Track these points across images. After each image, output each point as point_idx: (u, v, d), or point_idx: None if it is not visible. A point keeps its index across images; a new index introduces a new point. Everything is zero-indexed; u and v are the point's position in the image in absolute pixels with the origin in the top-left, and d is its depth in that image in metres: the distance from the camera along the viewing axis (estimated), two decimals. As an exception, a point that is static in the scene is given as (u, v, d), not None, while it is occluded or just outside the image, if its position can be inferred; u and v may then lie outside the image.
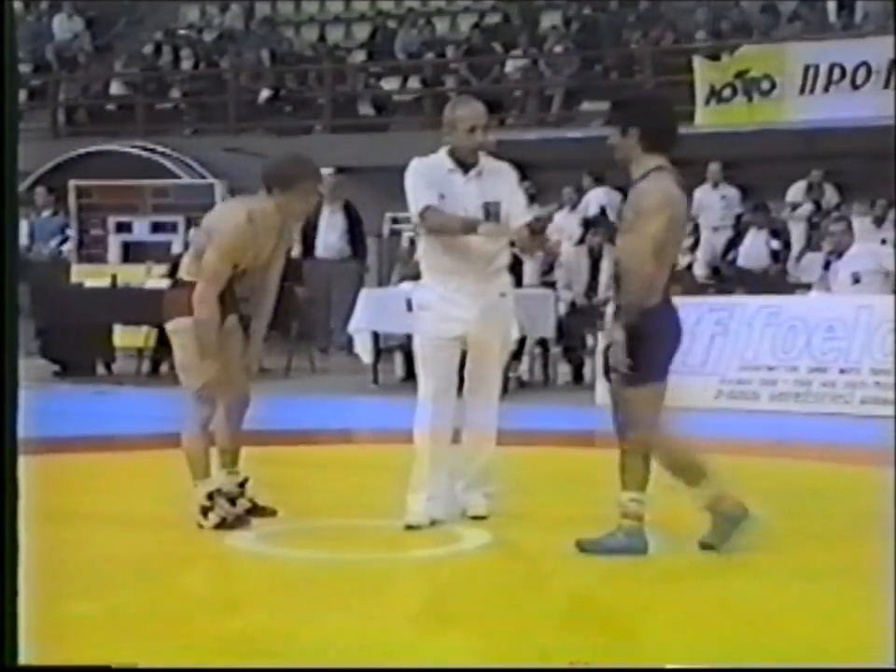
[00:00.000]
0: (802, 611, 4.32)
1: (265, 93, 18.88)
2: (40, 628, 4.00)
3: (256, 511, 5.63)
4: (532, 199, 14.00)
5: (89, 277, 13.27)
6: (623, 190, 14.91)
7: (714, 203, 14.41)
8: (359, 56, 19.70)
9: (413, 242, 14.03)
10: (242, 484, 5.63)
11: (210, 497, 5.46)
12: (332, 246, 14.39)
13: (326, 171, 16.15)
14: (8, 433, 2.08)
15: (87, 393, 11.17)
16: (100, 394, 11.17)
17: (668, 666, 3.61)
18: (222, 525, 5.43)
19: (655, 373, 4.93)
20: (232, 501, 5.55)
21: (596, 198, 14.66)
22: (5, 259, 2.06)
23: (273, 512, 5.68)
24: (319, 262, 14.39)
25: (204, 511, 5.45)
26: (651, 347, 4.84)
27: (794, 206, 14.35)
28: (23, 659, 2.15)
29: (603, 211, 14.06)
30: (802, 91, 14.72)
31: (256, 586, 4.78)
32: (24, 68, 21.50)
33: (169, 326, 5.59)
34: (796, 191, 14.43)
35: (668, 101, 5.70)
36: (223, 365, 5.46)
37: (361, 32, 20.04)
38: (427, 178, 5.54)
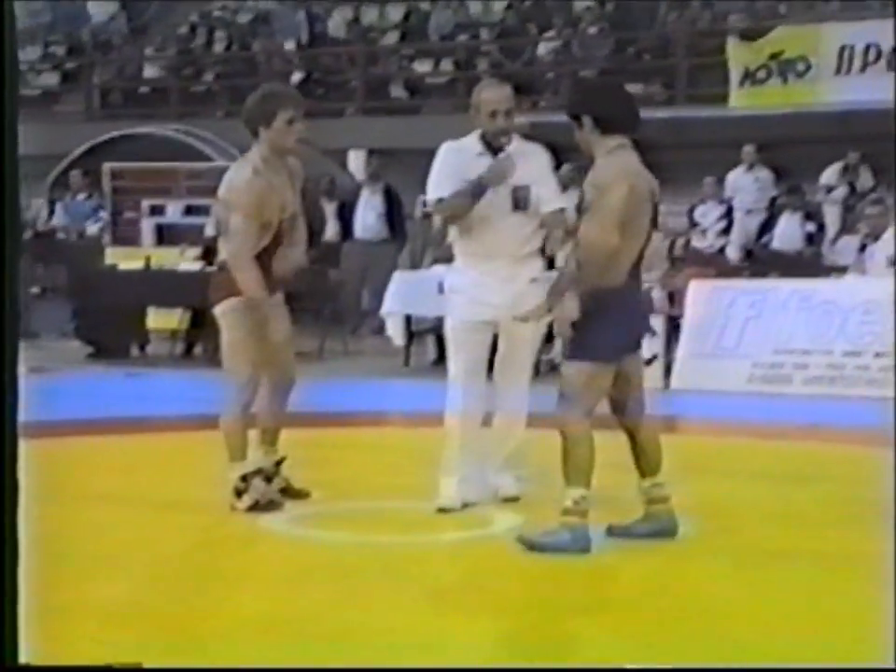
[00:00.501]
0: (830, 599, 4.31)
1: (297, 76, 18.90)
2: (61, 609, 4.04)
3: (289, 492, 5.65)
4: (572, 182, 13.97)
5: (123, 260, 13.33)
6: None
7: (748, 185, 14.32)
8: (392, 38, 19.68)
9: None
10: (278, 463, 5.66)
11: (244, 479, 5.48)
12: (370, 227, 14.44)
13: (360, 152, 16.24)
14: (9, 423, 2.09)
15: (120, 375, 11.23)
16: (132, 376, 11.23)
17: (669, 665, 3.60)
18: (255, 507, 5.45)
19: (601, 352, 4.79)
20: (268, 479, 5.58)
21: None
22: (5, 248, 2.07)
23: (306, 494, 5.70)
24: (356, 244, 14.42)
25: (238, 493, 5.47)
26: (604, 326, 4.74)
27: (829, 189, 14.24)
28: (24, 658, 2.15)
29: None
30: (837, 72, 14.59)
31: (288, 568, 4.79)
32: (59, 50, 21.63)
33: (217, 310, 5.57)
34: (831, 174, 14.32)
35: (616, 84, 5.64)
36: (269, 346, 5.48)
37: (395, 14, 20.01)
38: (453, 165, 5.52)
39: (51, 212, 15.72)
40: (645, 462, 5.00)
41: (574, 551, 4.74)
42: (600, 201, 4.75)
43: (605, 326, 4.75)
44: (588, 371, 4.79)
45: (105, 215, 15.23)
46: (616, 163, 4.83)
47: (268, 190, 5.41)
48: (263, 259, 5.48)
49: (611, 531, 4.95)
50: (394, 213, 14.60)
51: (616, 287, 4.76)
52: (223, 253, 5.62)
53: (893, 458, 5.66)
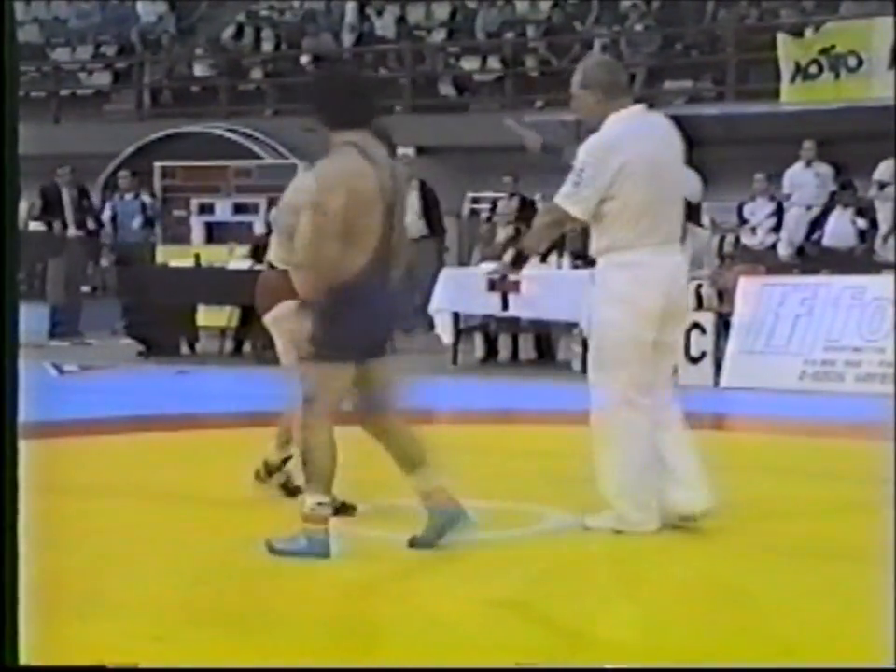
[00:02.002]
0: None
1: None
2: (110, 602, 4.07)
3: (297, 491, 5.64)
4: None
5: (173, 258, 13.42)
6: (696, 168, 14.81)
7: (808, 181, 14.18)
8: (439, 36, 19.70)
9: (491, 221, 14.04)
10: (285, 461, 5.68)
11: None
12: (409, 227, 14.43)
13: (403, 150, 16.23)
14: (8, 421, 2.10)
15: (170, 372, 11.30)
16: (183, 373, 11.30)
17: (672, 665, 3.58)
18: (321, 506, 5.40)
19: (332, 354, 4.64)
20: (270, 473, 5.65)
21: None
22: (5, 250, 2.08)
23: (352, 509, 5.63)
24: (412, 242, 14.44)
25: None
26: (331, 326, 4.61)
27: (882, 185, 14.10)
28: (24, 658, 2.17)
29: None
30: (891, 66, 14.46)
31: (338, 567, 4.80)
32: (109, 50, 21.82)
33: (267, 318, 5.53)
34: (885, 169, 14.17)
35: (342, 78, 5.13)
36: None
37: (442, 11, 20.03)
38: None
39: (102, 211, 15.86)
40: (405, 457, 4.83)
41: (312, 556, 4.63)
42: (315, 204, 4.58)
43: (336, 326, 4.61)
44: (324, 371, 4.67)
45: (150, 213, 15.32)
46: (333, 167, 4.66)
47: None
48: None
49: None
50: (430, 209, 14.53)
51: (350, 287, 4.58)
52: (273, 257, 5.58)
53: (893, 454, 5.59)
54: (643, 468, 4.97)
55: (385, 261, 4.68)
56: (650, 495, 4.98)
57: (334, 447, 4.70)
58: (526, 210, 13.51)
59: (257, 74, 20.31)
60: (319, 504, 4.68)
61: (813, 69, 14.97)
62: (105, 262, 15.44)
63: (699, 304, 11.38)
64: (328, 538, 4.69)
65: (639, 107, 5.17)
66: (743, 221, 13.79)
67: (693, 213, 13.58)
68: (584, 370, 11.59)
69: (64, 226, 14.32)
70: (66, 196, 14.43)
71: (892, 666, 3.34)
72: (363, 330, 4.69)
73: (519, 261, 5.48)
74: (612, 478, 5.01)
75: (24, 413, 2.22)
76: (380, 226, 4.65)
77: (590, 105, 5.08)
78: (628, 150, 4.96)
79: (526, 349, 12.20)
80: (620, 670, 3.56)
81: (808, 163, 14.24)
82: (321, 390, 4.69)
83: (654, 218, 5.00)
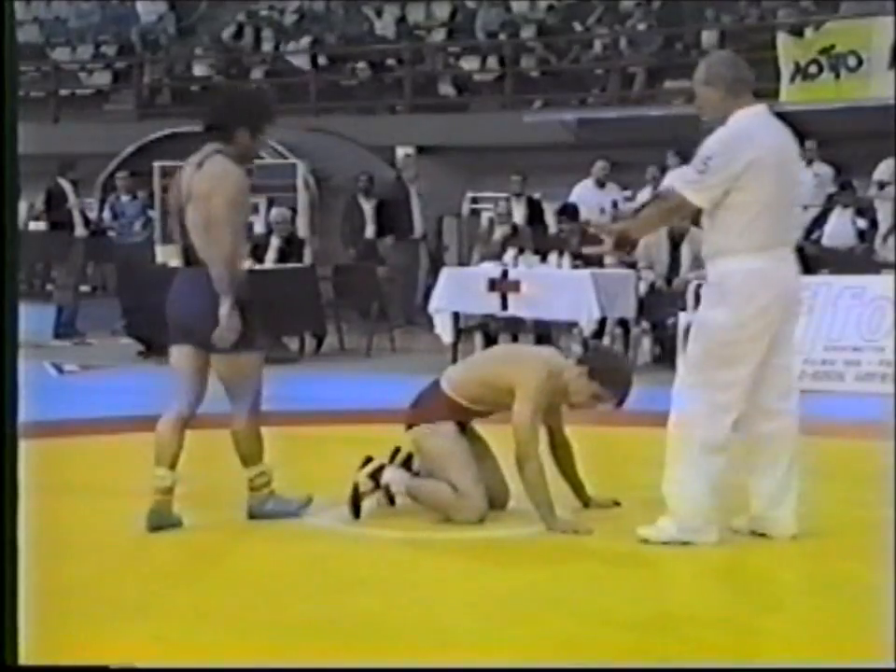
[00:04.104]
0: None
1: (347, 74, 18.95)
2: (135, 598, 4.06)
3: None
4: (607, 178, 13.99)
5: (173, 257, 13.39)
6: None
7: (807, 181, 14.15)
8: (439, 36, 19.71)
9: (492, 221, 14.05)
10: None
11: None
12: (420, 227, 14.69)
13: (406, 150, 16.26)
14: (8, 420, 2.10)
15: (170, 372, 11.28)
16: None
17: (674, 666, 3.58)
18: (387, 493, 5.46)
19: (169, 333, 5.42)
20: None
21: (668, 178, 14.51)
22: (5, 249, 2.08)
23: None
24: (400, 242, 14.51)
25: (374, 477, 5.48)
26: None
27: (882, 184, 14.10)
28: (23, 658, 2.17)
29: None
30: (891, 66, 14.46)
31: (337, 566, 4.81)
32: (109, 50, 21.82)
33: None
34: (885, 169, 14.18)
35: (219, 92, 5.92)
36: None
37: (442, 11, 20.04)
38: None
39: (101, 211, 15.87)
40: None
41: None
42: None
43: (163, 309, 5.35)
44: (172, 355, 5.41)
45: (152, 214, 15.32)
46: (206, 174, 5.35)
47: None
48: None
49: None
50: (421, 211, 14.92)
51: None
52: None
53: (893, 454, 5.59)
54: (718, 479, 4.81)
55: (190, 257, 5.37)
56: (716, 507, 4.83)
57: (169, 428, 5.35)
58: (534, 210, 13.51)
59: (257, 74, 20.31)
60: (161, 477, 5.24)
61: (813, 69, 14.97)
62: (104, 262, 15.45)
63: (699, 304, 11.36)
64: (162, 509, 5.15)
65: (763, 106, 5.01)
66: (744, 221, 13.80)
67: (695, 214, 13.62)
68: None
69: (71, 226, 14.32)
70: (72, 196, 14.43)
71: (892, 666, 3.34)
72: (168, 312, 5.50)
73: (624, 244, 5.35)
74: (683, 481, 4.80)
75: (24, 413, 2.22)
76: (178, 224, 5.32)
77: (713, 102, 4.93)
78: (759, 145, 4.78)
79: (526, 349, 12.18)
80: (620, 670, 3.57)
81: (809, 163, 14.23)
82: (174, 375, 5.40)
83: (776, 218, 4.81)
